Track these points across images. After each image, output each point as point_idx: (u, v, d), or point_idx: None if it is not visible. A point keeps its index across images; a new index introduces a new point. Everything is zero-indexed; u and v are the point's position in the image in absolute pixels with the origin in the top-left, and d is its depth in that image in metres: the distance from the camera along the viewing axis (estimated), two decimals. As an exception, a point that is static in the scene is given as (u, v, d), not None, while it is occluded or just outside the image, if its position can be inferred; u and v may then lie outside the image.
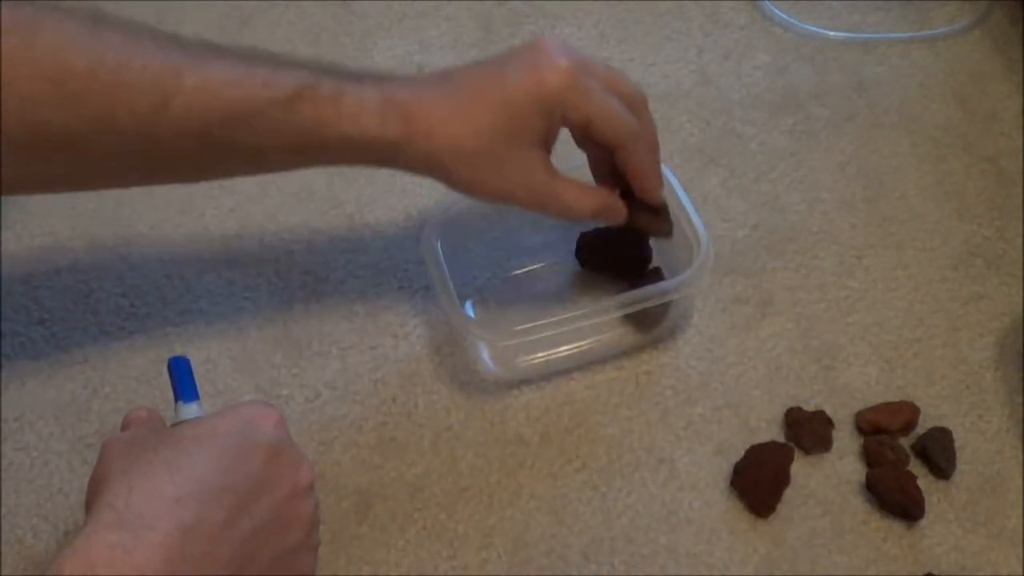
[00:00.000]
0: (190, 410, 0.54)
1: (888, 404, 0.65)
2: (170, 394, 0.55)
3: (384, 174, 0.77)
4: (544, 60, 0.57)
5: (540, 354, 0.67)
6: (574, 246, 0.71)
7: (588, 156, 0.65)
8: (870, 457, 0.63)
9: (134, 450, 0.49)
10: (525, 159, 0.59)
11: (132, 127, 0.52)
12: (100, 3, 0.93)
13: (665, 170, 0.68)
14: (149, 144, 0.53)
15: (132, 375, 0.68)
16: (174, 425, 0.53)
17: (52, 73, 0.50)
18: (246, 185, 0.77)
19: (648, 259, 0.71)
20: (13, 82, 0.49)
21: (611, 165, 0.62)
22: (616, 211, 0.63)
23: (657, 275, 0.69)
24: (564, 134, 0.61)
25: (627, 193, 0.63)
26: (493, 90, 0.57)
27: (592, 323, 0.64)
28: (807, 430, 0.64)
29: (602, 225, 0.70)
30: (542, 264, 0.72)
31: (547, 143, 0.60)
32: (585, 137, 0.60)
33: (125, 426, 0.54)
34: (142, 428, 0.53)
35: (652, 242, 0.70)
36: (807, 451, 0.63)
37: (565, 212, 0.61)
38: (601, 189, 0.64)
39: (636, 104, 0.60)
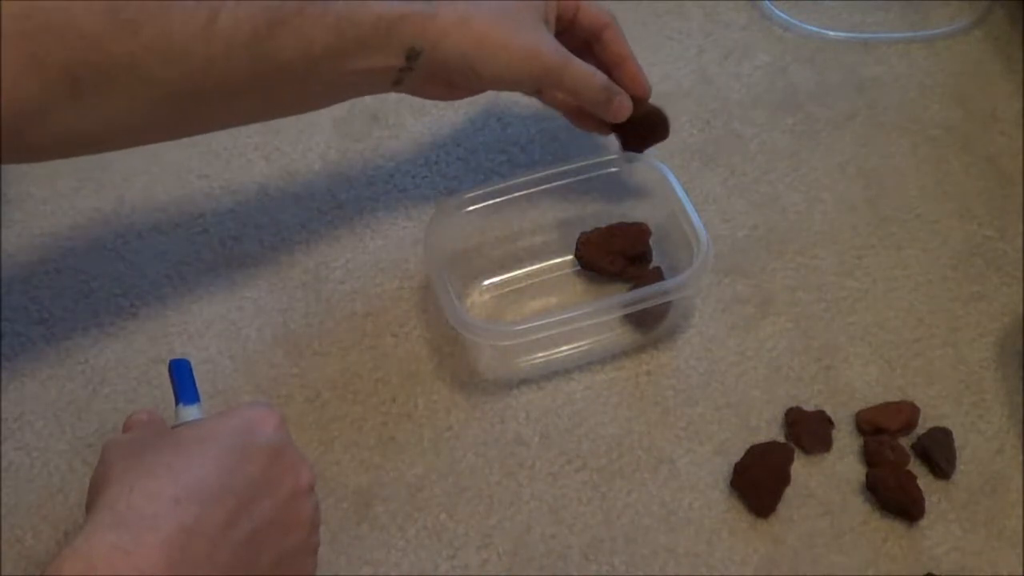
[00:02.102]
0: (190, 412, 0.54)
1: (888, 404, 0.65)
2: (171, 395, 0.55)
3: (383, 174, 0.78)
4: None
5: (540, 354, 0.67)
6: (574, 246, 0.71)
7: (568, 114, 0.72)
8: (870, 457, 0.63)
9: (135, 451, 0.49)
10: (541, 27, 0.65)
11: (187, 46, 0.53)
12: None
13: (665, 170, 0.68)
14: (202, 66, 0.54)
15: (132, 375, 0.68)
16: (175, 427, 0.53)
17: (105, 4, 0.51)
18: (246, 185, 0.77)
19: (648, 259, 0.71)
20: (73, 19, 0.50)
21: (588, 116, 0.70)
22: (622, 95, 0.68)
23: (657, 275, 0.69)
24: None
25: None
26: None
27: (592, 323, 0.64)
28: (807, 430, 0.64)
29: (600, 230, 0.70)
30: (542, 264, 0.72)
31: (548, 24, 0.66)
32: (570, 26, 0.68)
33: (126, 429, 0.54)
34: (143, 430, 0.53)
35: (652, 242, 0.70)
36: (807, 451, 0.63)
37: (583, 79, 0.66)
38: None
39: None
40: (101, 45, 0.51)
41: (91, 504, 0.48)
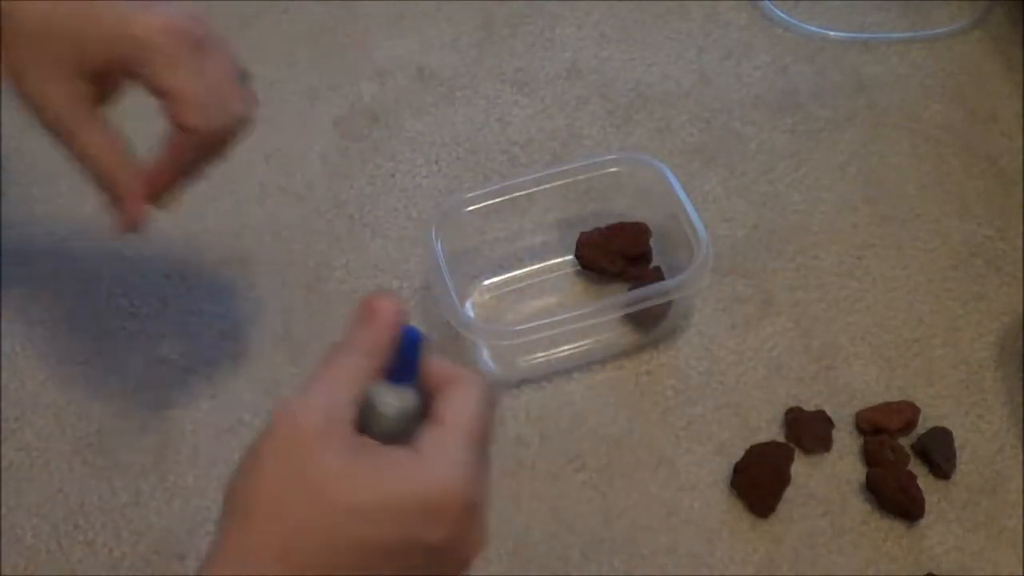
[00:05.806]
0: (392, 396, 0.43)
1: (888, 404, 0.65)
2: (170, 397, 0.55)
3: (384, 174, 0.78)
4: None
5: (540, 354, 0.67)
6: (574, 246, 0.71)
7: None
8: (870, 457, 0.63)
9: (292, 479, 0.38)
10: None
11: None
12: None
13: (665, 170, 0.68)
14: None
15: (132, 375, 0.68)
16: (362, 429, 0.41)
17: None
18: (246, 185, 0.77)
19: (648, 259, 0.71)
20: None
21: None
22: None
23: (657, 275, 0.69)
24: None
25: None
26: None
27: (592, 323, 0.64)
28: (807, 430, 0.64)
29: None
30: (542, 264, 0.72)
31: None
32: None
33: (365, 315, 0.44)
34: (317, 436, 0.40)
35: (652, 242, 0.70)
36: (807, 451, 0.63)
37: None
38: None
39: None
40: None
41: (231, 506, 0.39)
